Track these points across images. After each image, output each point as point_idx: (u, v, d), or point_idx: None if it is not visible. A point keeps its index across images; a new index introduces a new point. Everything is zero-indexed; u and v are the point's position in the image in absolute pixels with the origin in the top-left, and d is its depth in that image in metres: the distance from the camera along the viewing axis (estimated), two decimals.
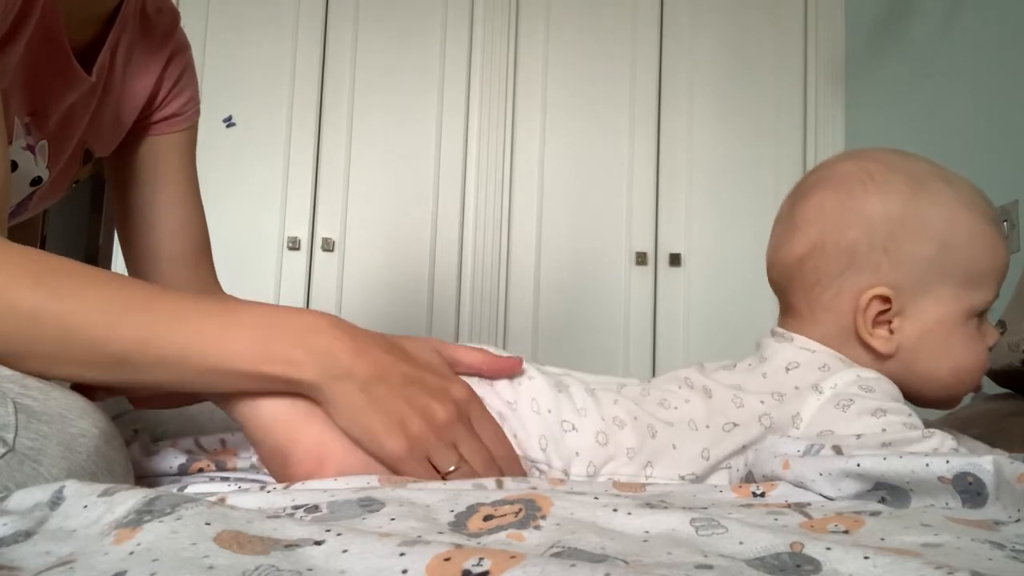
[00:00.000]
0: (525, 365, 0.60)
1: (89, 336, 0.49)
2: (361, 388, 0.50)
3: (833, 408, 0.57)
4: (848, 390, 0.58)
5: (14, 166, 0.69)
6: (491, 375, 0.58)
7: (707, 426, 0.58)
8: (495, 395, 0.57)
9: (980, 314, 0.63)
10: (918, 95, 2.00)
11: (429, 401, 0.51)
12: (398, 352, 0.53)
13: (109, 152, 0.84)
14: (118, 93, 0.79)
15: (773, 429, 0.58)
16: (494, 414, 0.56)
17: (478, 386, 0.57)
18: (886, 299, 0.61)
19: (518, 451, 0.55)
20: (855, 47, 2.34)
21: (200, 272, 0.88)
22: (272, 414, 0.52)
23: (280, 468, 0.53)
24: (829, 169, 0.66)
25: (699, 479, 0.57)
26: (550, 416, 0.57)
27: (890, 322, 0.62)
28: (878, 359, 0.62)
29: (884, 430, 0.54)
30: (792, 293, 0.66)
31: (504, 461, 0.53)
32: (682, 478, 0.57)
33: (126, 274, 0.87)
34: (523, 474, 0.55)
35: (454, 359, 0.58)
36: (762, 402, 0.59)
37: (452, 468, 0.51)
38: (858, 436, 0.53)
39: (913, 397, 0.62)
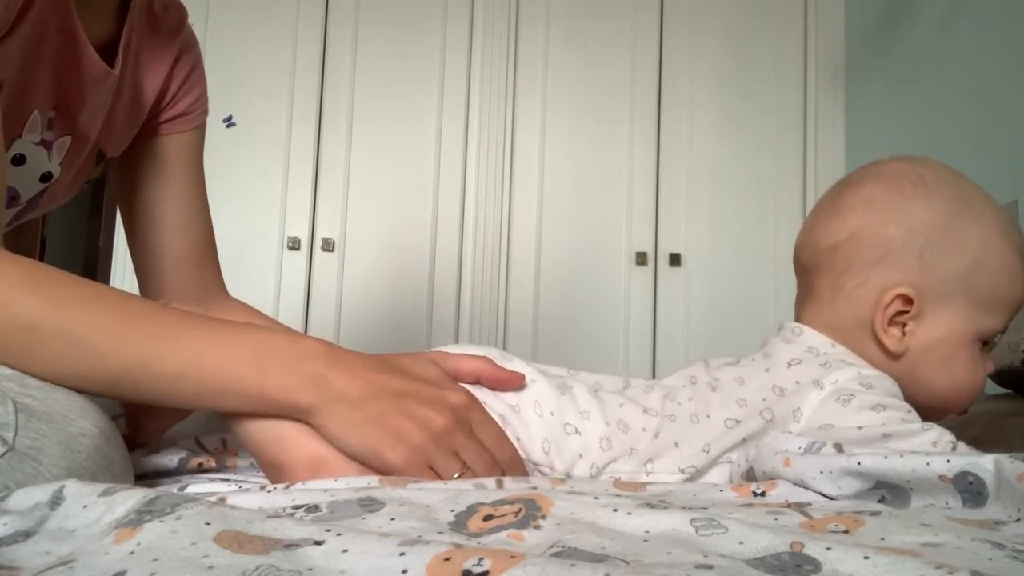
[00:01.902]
0: (528, 367, 0.60)
1: (90, 350, 0.49)
2: (356, 407, 0.50)
3: (834, 403, 0.58)
4: (849, 386, 0.58)
5: (22, 159, 0.69)
6: (491, 384, 0.58)
7: (708, 415, 0.59)
8: (498, 398, 0.57)
9: (986, 343, 0.64)
10: (918, 96, 2.00)
11: (425, 411, 0.51)
12: (392, 370, 0.53)
13: (119, 152, 0.83)
14: (130, 91, 0.79)
15: (774, 423, 0.58)
16: (496, 417, 0.56)
17: (481, 390, 0.57)
18: (908, 300, 0.62)
19: (521, 454, 0.55)
20: (855, 48, 2.34)
21: (204, 274, 0.87)
22: (264, 430, 0.52)
23: (276, 479, 0.53)
24: (883, 165, 0.68)
25: (699, 472, 0.57)
26: (553, 419, 0.57)
27: (905, 324, 0.63)
28: (885, 357, 0.63)
29: (884, 424, 0.55)
30: (818, 277, 0.67)
31: (507, 465, 0.53)
32: (682, 471, 0.57)
33: (132, 275, 0.88)
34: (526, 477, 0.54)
35: (455, 370, 0.57)
36: (764, 399, 0.60)
37: (456, 476, 0.51)
38: (859, 428, 0.54)
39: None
